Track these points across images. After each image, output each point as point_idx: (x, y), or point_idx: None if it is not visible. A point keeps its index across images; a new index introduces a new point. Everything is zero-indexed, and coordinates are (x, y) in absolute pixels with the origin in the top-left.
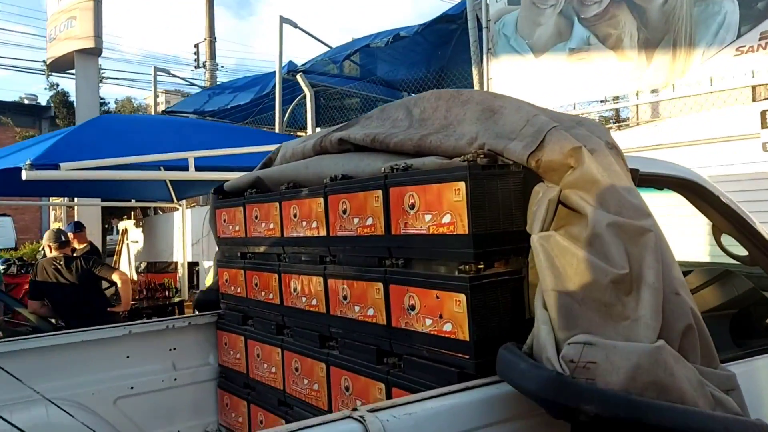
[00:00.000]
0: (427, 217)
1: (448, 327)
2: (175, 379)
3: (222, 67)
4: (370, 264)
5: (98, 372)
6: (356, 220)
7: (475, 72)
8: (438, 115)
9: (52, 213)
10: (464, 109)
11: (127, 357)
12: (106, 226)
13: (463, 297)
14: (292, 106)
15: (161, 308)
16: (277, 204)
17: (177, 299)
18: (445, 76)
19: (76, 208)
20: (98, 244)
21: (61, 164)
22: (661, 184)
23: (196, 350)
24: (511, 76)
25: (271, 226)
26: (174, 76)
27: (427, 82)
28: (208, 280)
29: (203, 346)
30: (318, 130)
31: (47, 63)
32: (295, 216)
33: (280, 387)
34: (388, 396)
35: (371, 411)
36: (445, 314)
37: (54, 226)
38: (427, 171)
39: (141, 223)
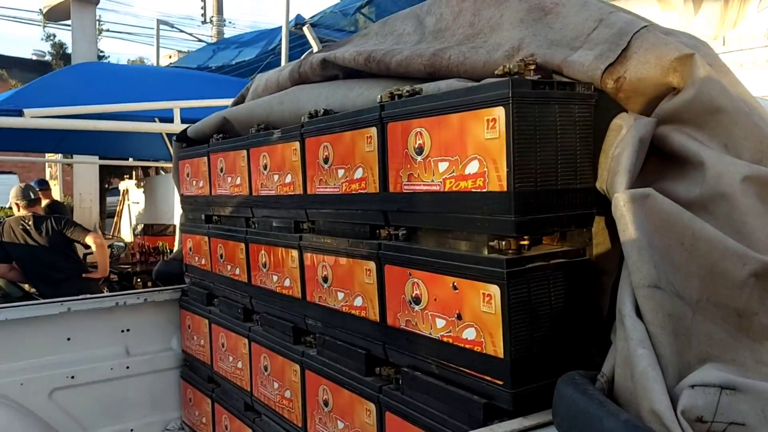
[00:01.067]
0: (443, 166)
1: (470, 334)
2: (128, 367)
3: (230, 22)
4: (360, 235)
5: (29, 358)
6: (341, 173)
7: None
8: (462, 21)
9: (47, 170)
10: (500, 10)
11: (68, 339)
12: (106, 185)
13: (495, 289)
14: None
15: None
16: (245, 153)
17: None
18: None
19: (73, 166)
20: (97, 204)
21: (26, 110)
22: None
23: (155, 333)
24: None
25: (238, 181)
26: (180, 30)
27: None
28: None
29: (164, 328)
30: None
31: (43, 12)
32: (265, 168)
33: (246, 387)
34: (380, 422)
35: None
36: (466, 313)
37: (51, 184)
38: (444, 94)
39: (142, 184)
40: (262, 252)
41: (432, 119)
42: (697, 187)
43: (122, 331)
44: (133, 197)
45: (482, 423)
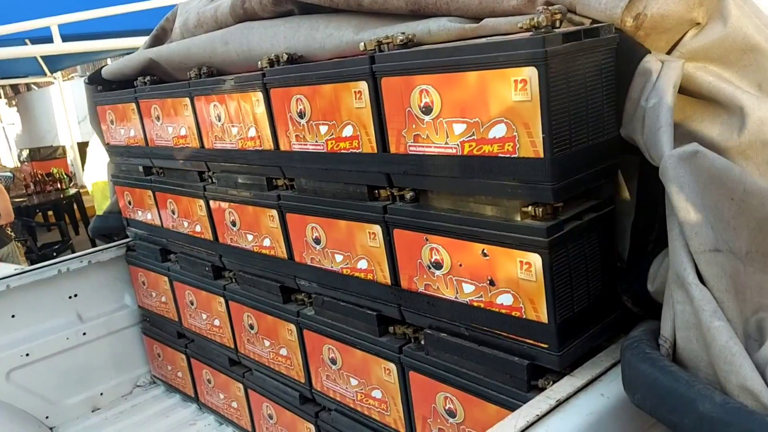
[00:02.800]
0: (458, 128)
1: (506, 299)
2: (84, 333)
3: None
4: (354, 196)
5: None
6: (324, 129)
7: None
8: None
9: None
10: None
11: (12, 317)
12: None
13: (536, 258)
14: None
15: (56, 204)
16: (188, 100)
17: (72, 190)
18: None
19: None
20: None
21: None
22: None
23: (105, 293)
24: None
25: (183, 131)
26: None
27: None
28: (94, 189)
29: (113, 287)
30: None
31: None
32: (218, 118)
33: (229, 344)
34: (402, 381)
35: None
36: (500, 280)
37: None
38: (460, 48)
39: (14, 102)
40: (229, 210)
41: (442, 76)
42: (735, 133)
43: (70, 297)
44: (6, 119)
45: (527, 382)
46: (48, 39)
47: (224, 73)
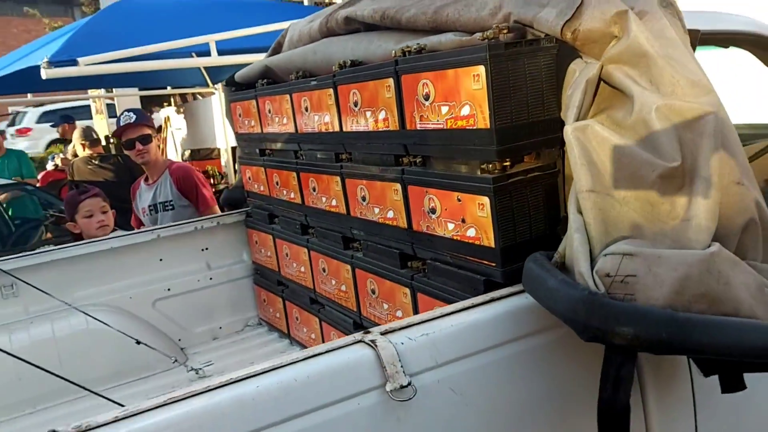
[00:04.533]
0: (444, 109)
1: (471, 232)
2: (211, 279)
3: None
4: (387, 163)
5: (133, 276)
6: (369, 114)
7: None
8: None
9: (92, 105)
10: None
11: (160, 260)
12: (148, 114)
13: (486, 200)
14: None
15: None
16: (288, 96)
17: (222, 186)
18: None
19: (116, 99)
20: None
21: (79, 59)
22: (726, 42)
23: (228, 249)
24: None
25: (285, 120)
26: None
27: None
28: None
29: (235, 245)
30: None
31: None
32: (306, 110)
33: (310, 286)
34: (414, 301)
35: (384, 333)
36: (468, 218)
37: (97, 117)
38: (442, 54)
39: (181, 110)
40: (311, 179)
41: (435, 73)
42: (629, 114)
43: (202, 250)
44: (174, 124)
45: (483, 292)
46: (208, 54)
47: (312, 76)
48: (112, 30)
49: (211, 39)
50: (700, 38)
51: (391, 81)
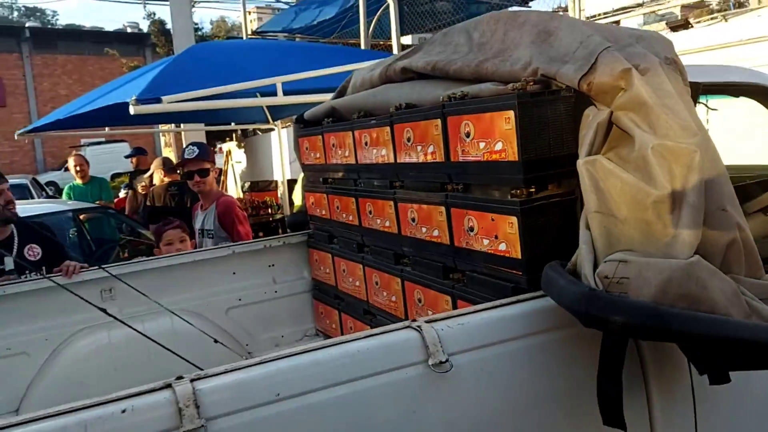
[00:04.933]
0: (482, 145)
1: (502, 246)
2: (276, 291)
3: None
4: (433, 189)
5: (211, 287)
6: (419, 148)
7: None
8: (496, 38)
9: (162, 138)
10: (521, 32)
11: (233, 273)
12: (212, 148)
13: (515, 219)
14: (376, 17)
15: (265, 224)
16: (351, 133)
17: (279, 216)
18: None
19: (183, 133)
20: None
21: (163, 98)
22: (735, 92)
23: (292, 266)
24: None
25: (347, 153)
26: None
27: None
28: (295, 196)
29: (297, 263)
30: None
31: None
32: (366, 144)
33: (364, 298)
34: (454, 307)
35: (428, 321)
36: (500, 235)
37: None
38: (481, 100)
39: (242, 144)
40: (368, 203)
41: (475, 115)
42: (632, 151)
43: (269, 265)
44: (235, 157)
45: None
46: (273, 93)
47: (372, 116)
48: (190, 71)
49: (278, 81)
50: (714, 88)
51: (439, 121)
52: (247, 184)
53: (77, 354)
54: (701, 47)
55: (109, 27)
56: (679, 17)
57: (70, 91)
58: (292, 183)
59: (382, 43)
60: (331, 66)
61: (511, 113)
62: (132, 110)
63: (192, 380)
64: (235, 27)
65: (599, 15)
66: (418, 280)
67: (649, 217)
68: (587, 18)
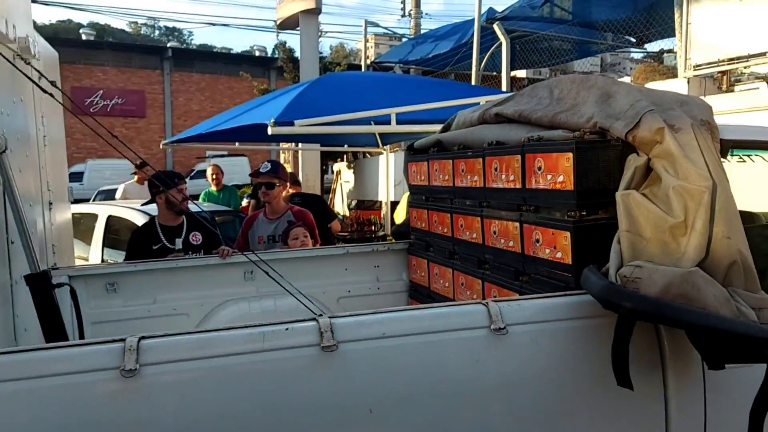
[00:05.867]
0: (549, 177)
1: (559, 255)
2: (378, 288)
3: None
4: (511, 209)
5: (327, 278)
6: (503, 176)
7: (676, 14)
8: (570, 96)
9: (282, 156)
10: (589, 93)
11: (345, 269)
12: (324, 167)
13: (568, 234)
14: (488, 54)
15: (367, 240)
16: (451, 161)
17: (381, 233)
18: (651, 17)
19: (300, 152)
20: (318, 183)
21: (295, 122)
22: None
23: (394, 269)
24: (713, 20)
25: (446, 177)
26: (384, 28)
27: (631, 24)
28: (396, 215)
29: (398, 266)
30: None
31: (276, 23)
32: (462, 171)
33: (451, 297)
34: None
35: (494, 301)
36: (557, 246)
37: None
38: (551, 142)
39: (352, 166)
40: (460, 219)
41: (545, 154)
42: (660, 189)
43: (375, 266)
44: (344, 177)
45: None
46: (387, 122)
47: (469, 149)
48: (317, 99)
49: (393, 111)
50: (758, 144)
51: (519, 156)
52: (354, 202)
53: (224, 318)
54: None
55: (237, 48)
56: None
57: (201, 107)
58: (394, 204)
59: (490, 75)
60: (438, 100)
61: (570, 155)
62: (270, 131)
63: (330, 317)
64: (352, 53)
65: (704, 64)
66: (495, 281)
67: (666, 238)
68: (694, 66)
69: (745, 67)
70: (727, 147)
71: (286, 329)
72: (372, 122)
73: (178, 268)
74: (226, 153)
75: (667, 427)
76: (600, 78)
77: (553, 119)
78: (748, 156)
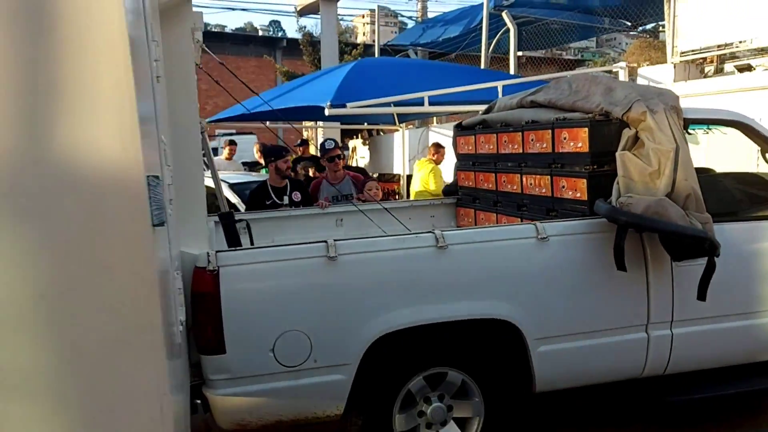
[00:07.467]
0: (571, 144)
1: (578, 194)
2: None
3: None
4: (544, 167)
5: (396, 225)
6: (537, 144)
7: (666, 7)
8: (584, 88)
9: (305, 133)
10: (597, 87)
11: (409, 218)
12: (341, 144)
13: (584, 181)
14: (495, 39)
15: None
16: (495, 135)
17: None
18: (644, 4)
19: (321, 130)
20: None
21: (348, 104)
22: (723, 125)
23: (445, 217)
24: (696, 12)
25: (491, 146)
26: (394, 16)
27: (625, 8)
28: (412, 187)
29: (449, 216)
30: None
31: (297, 9)
32: (505, 141)
33: None
34: None
35: (540, 222)
36: (577, 189)
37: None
38: (573, 122)
39: (367, 142)
40: (503, 177)
41: (569, 129)
42: (643, 150)
43: (431, 216)
44: (359, 153)
45: None
46: (420, 103)
47: (509, 126)
48: (359, 83)
49: (425, 95)
50: (710, 121)
51: (550, 131)
52: (375, 175)
53: None
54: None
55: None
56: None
57: (210, 86)
58: (410, 177)
59: (497, 57)
60: (464, 84)
61: (586, 129)
62: (327, 112)
63: (441, 230)
64: (348, 30)
65: (689, 51)
66: (531, 217)
67: (646, 180)
68: (681, 53)
69: (723, 55)
70: (688, 123)
71: (418, 236)
72: (392, 104)
73: (288, 216)
74: (234, 131)
75: (648, 296)
76: (605, 77)
77: (573, 105)
78: (709, 129)
